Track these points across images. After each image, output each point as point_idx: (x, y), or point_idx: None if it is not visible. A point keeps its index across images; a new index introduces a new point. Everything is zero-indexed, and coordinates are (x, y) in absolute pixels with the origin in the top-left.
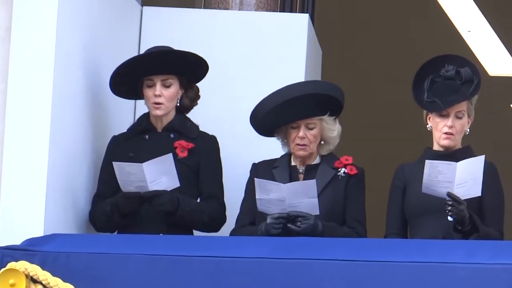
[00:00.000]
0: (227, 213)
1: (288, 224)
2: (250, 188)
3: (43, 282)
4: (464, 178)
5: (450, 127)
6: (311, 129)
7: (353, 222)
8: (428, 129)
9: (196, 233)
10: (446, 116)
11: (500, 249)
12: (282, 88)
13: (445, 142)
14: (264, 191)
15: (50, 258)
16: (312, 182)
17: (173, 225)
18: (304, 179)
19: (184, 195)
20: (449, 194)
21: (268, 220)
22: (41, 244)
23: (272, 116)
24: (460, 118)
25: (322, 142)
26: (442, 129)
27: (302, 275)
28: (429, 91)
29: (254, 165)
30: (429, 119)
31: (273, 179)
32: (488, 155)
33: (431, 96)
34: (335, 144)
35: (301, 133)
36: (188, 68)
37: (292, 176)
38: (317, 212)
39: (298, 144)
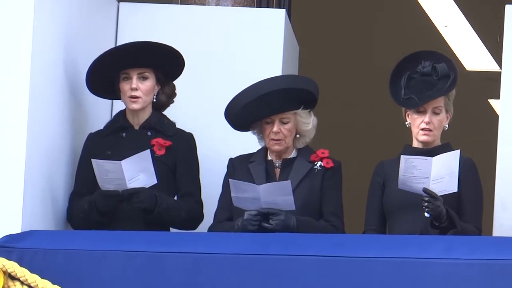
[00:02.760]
0: (204, 208)
1: (262, 223)
2: (227, 184)
3: (21, 279)
4: (440, 174)
5: (428, 123)
6: (286, 123)
7: (329, 215)
8: (407, 125)
9: (173, 230)
10: (423, 112)
11: (478, 244)
12: (255, 84)
13: (423, 138)
14: (239, 191)
15: (27, 254)
16: (287, 183)
17: (150, 222)
18: (281, 173)
19: (162, 193)
20: (425, 190)
21: (246, 216)
22: (19, 240)
23: (246, 111)
24: (438, 114)
25: (298, 136)
26: (420, 125)
27: (279, 271)
28: (406, 88)
29: (230, 160)
30: (408, 115)
31: (250, 174)
32: (466, 150)
33: (408, 92)
34: (311, 137)
35: (275, 128)
36: (164, 61)
37: (268, 170)
38: (293, 208)
39: (273, 139)
